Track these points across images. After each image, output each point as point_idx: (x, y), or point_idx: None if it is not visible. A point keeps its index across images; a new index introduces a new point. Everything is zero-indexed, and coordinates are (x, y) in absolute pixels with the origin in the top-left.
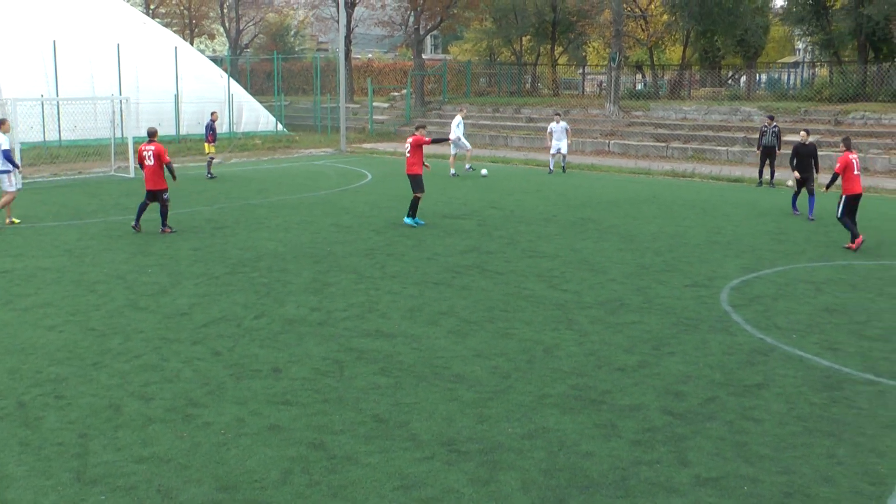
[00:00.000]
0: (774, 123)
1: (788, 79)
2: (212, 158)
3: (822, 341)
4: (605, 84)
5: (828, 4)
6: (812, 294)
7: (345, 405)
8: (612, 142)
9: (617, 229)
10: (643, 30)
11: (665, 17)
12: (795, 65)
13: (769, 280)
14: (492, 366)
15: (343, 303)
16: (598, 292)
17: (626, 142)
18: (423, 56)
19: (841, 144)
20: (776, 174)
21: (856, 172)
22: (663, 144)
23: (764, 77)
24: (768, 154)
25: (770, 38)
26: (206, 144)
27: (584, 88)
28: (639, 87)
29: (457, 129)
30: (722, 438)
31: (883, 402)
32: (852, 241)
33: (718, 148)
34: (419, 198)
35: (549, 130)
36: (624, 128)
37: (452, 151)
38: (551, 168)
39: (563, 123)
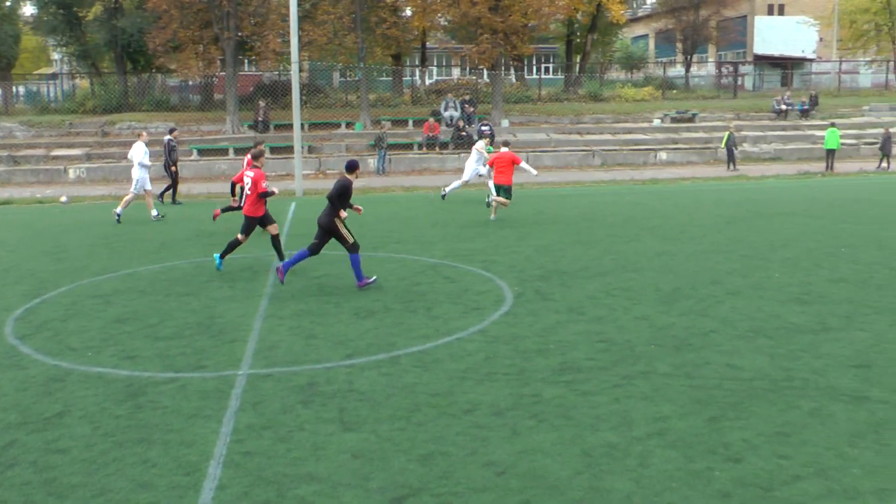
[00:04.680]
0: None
1: (49, 91)
2: None
3: (119, 352)
4: None
5: (80, 15)
6: (102, 308)
7: None
8: None
9: None
10: None
11: None
12: (54, 76)
13: (56, 302)
14: None
15: None
16: None
17: None
18: None
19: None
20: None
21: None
22: None
23: (22, 90)
24: (175, 168)
25: (23, 49)
26: None
27: None
28: None
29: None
30: (28, 483)
31: (185, 396)
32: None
33: None
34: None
35: None
36: None
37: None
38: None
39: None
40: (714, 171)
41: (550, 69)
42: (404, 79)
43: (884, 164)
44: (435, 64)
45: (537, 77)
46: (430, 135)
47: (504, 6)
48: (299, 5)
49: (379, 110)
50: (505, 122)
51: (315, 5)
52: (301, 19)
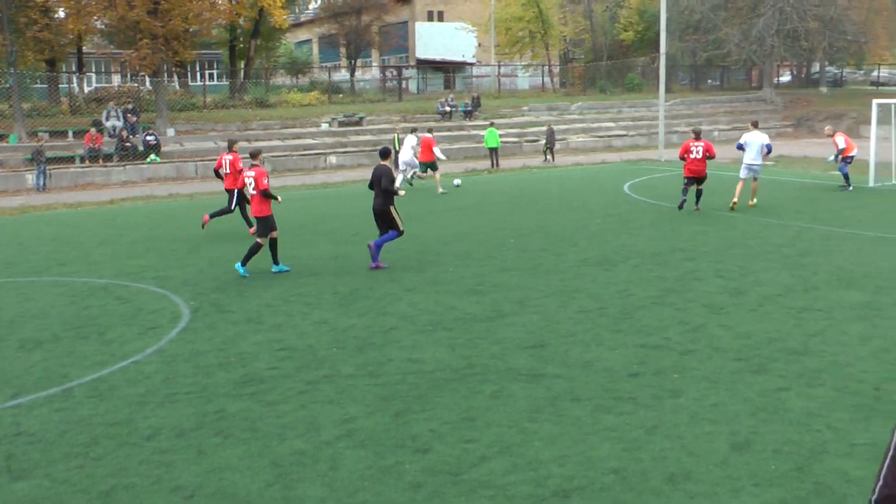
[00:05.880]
0: None
1: None
2: None
3: None
4: None
5: None
6: None
7: None
8: None
9: None
10: None
11: None
12: None
13: None
14: None
15: None
16: None
17: None
18: None
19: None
20: None
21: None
22: None
23: None
24: None
25: None
26: None
27: None
28: None
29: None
30: None
31: None
32: None
33: None
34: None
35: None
36: None
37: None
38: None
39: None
40: None
41: (215, 75)
42: (61, 86)
43: (548, 158)
44: (94, 70)
45: (202, 84)
46: (93, 146)
47: (164, 10)
48: None
49: (35, 121)
50: (171, 131)
51: None
52: None
